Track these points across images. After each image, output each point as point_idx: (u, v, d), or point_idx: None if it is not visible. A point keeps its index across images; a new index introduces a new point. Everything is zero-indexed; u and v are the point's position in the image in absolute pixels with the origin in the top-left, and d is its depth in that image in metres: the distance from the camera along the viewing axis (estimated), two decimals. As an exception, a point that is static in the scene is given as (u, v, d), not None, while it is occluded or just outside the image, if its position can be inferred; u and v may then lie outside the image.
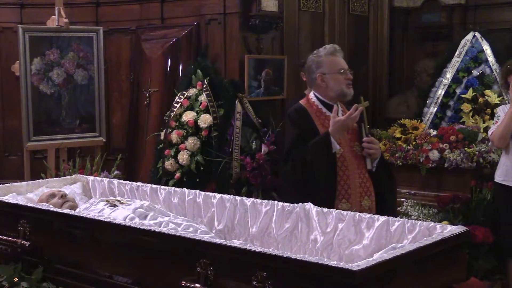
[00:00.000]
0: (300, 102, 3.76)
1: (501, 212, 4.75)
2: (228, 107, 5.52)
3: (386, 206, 3.57)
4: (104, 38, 6.33)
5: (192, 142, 5.38)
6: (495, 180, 4.72)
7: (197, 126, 5.43)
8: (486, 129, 5.56)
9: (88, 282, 2.89)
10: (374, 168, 3.61)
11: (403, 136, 5.81)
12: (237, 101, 5.53)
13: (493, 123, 4.80)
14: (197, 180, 5.33)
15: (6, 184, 3.81)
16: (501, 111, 4.70)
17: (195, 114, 5.47)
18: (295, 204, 3.11)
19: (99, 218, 2.96)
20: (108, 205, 3.35)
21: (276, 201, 3.20)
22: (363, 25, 7.18)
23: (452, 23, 7.13)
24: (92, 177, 4.20)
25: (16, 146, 6.60)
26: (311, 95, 3.73)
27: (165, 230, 2.75)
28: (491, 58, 6.08)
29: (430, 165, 5.40)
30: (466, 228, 2.57)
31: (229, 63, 5.97)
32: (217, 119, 5.45)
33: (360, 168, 3.59)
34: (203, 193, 3.49)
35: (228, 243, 2.46)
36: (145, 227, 2.74)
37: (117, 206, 3.32)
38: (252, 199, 3.28)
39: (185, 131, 5.44)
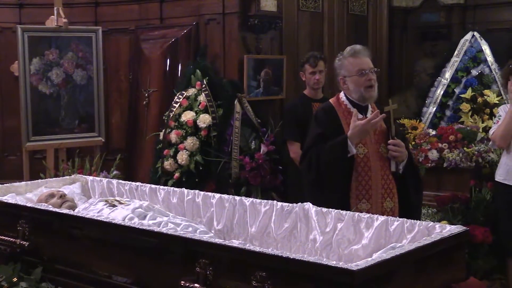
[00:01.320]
0: (330, 100, 3.77)
1: (501, 212, 4.75)
2: (227, 107, 5.52)
3: (411, 209, 3.58)
4: (103, 38, 6.32)
5: (191, 142, 5.38)
6: (496, 180, 4.72)
7: (196, 126, 5.44)
8: (485, 129, 5.57)
9: (87, 282, 2.89)
10: (400, 170, 3.61)
11: (402, 136, 5.81)
12: (236, 101, 5.53)
13: (493, 123, 4.80)
14: (196, 180, 5.33)
15: (5, 184, 3.80)
16: (502, 111, 4.70)
17: (194, 114, 5.47)
18: (294, 204, 3.11)
19: (98, 218, 2.96)
20: (107, 205, 3.35)
21: (275, 201, 3.20)
22: (362, 25, 7.18)
23: (451, 23, 7.14)
24: (91, 177, 4.20)
25: (15, 146, 6.60)
26: (342, 94, 3.72)
27: (164, 230, 2.75)
28: (490, 58, 6.09)
29: (429, 165, 5.40)
30: (465, 228, 2.56)
31: (228, 63, 5.97)
32: (216, 119, 5.45)
33: (384, 169, 3.60)
34: (202, 193, 3.49)
35: (227, 243, 2.46)
36: (144, 227, 2.73)
37: (116, 206, 3.32)
38: (251, 199, 3.28)
39: (184, 131, 5.44)
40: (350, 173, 3.54)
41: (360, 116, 3.55)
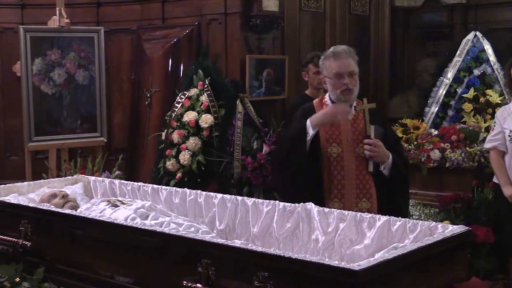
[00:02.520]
0: (313, 101, 3.77)
1: (502, 212, 4.75)
2: (229, 107, 5.52)
3: (398, 212, 3.55)
4: (105, 38, 6.33)
5: (193, 142, 5.38)
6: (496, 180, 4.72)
7: (198, 126, 5.44)
8: (487, 129, 5.56)
9: (89, 282, 2.89)
10: (386, 172, 3.58)
11: (404, 135, 5.81)
12: (238, 101, 5.53)
13: (491, 130, 4.79)
14: (199, 180, 5.33)
15: (7, 185, 3.81)
16: (498, 118, 4.67)
17: (196, 114, 5.47)
18: (297, 204, 3.11)
19: (101, 218, 2.96)
20: (110, 205, 3.35)
21: (277, 201, 3.19)
22: (364, 24, 7.18)
23: (453, 23, 7.13)
24: (93, 177, 4.20)
25: (17, 146, 6.61)
26: (327, 95, 3.72)
27: (166, 230, 2.75)
28: (492, 58, 6.08)
29: (432, 164, 5.40)
30: (467, 227, 2.56)
31: (230, 63, 5.97)
32: (218, 119, 5.45)
33: (359, 169, 3.58)
34: (204, 193, 3.49)
35: (229, 243, 2.46)
36: (146, 227, 2.74)
37: (119, 206, 3.32)
38: (253, 199, 3.28)
39: (186, 131, 5.44)
40: (320, 170, 3.54)
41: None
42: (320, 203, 3.25)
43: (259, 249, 2.34)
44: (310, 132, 3.50)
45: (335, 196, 3.54)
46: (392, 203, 3.57)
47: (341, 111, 3.48)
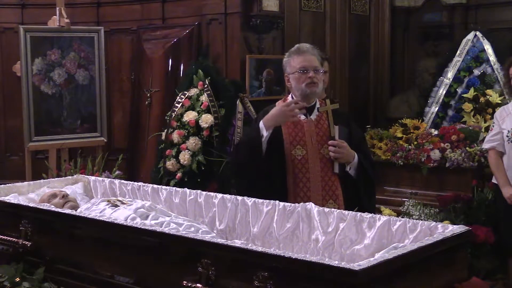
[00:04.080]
0: (276, 102, 3.73)
1: (502, 212, 4.75)
2: (229, 107, 5.52)
3: (363, 211, 3.55)
4: (105, 38, 6.34)
5: (193, 142, 5.38)
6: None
7: (198, 126, 5.44)
8: (487, 129, 5.56)
9: (89, 282, 2.89)
10: (352, 172, 3.58)
11: (404, 135, 5.81)
12: (238, 101, 5.53)
13: (489, 130, 4.79)
14: (199, 180, 5.33)
15: (7, 184, 3.80)
16: (497, 118, 4.67)
17: (196, 114, 5.47)
18: (297, 204, 3.11)
19: (101, 218, 2.96)
20: (110, 205, 3.35)
21: (277, 201, 3.19)
22: (364, 24, 7.18)
23: (453, 23, 7.13)
24: (93, 177, 4.20)
25: (17, 146, 6.61)
26: (289, 96, 3.71)
27: (166, 230, 2.75)
28: (492, 58, 6.08)
29: (432, 164, 5.40)
30: (467, 227, 2.56)
31: (230, 63, 5.97)
32: (218, 119, 5.45)
33: (325, 171, 3.57)
34: (204, 193, 3.48)
35: (229, 243, 2.46)
36: (146, 227, 2.74)
37: (119, 206, 3.32)
38: (253, 199, 3.28)
39: (186, 131, 5.44)
40: (284, 172, 3.53)
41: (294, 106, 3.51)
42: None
43: (259, 249, 2.34)
44: (264, 133, 3.49)
45: (302, 199, 3.50)
46: (358, 203, 3.51)
47: (289, 108, 3.46)
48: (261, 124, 3.51)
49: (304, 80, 3.53)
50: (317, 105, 3.65)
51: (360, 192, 3.62)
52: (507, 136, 4.54)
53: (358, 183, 3.61)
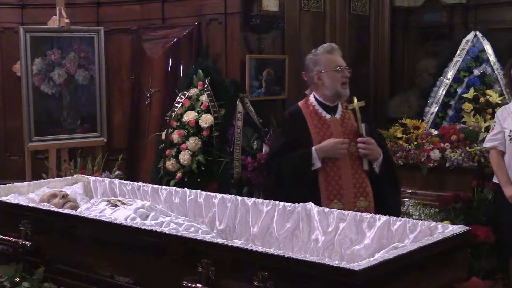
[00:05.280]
0: (298, 103, 3.76)
1: (502, 212, 4.74)
2: (229, 107, 5.52)
3: (389, 209, 3.53)
4: (105, 38, 6.33)
5: (193, 142, 5.38)
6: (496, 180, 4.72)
7: (198, 126, 5.44)
8: (487, 129, 5.56)
9: (89, 282, 2.89)
10: (377, 169, 3.60)
11: (404, 135, 5.81)
12: (238, 101, 5.53)
13: (490, 129, 4.79)
14: (198, 180, 5.33)
15: (7, 184, 3.81)
16: (498, 118, 4.67)
17: (196, 114, 5.47)
18: (296, 204, 3.11)
19: (101, 218, 2.96)
20: (110, 205, 3.35)
21: (277, 201, 3.19)
22: (364, 24, 7.18)
23: (453, 23, 7.13)
24: (93, 177, 4.20)
25: (17, 146, 6.61)
26: (311, 96, 3.72)
27: (166, 230, 2.75)
28: (492, 58, 6.08)
29: (432, 164, 5.40)
30: (467, 227, 2.56)
31: (230, 63, 5.97)
32: (218, 119, 5.45)
33: (355, 168, 3.58)
34: (204, 193, 3.49)
35: (229, 243, 2.46)
36: (146, 227, 2.74)
37: (119, 206, 3.32)
38: (253, 199, 3.28)
39: (186, 131, 5.44)
40: (317, 181, 3.53)
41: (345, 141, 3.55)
42: (317, 204, 3.26)
43: (259, 249, 2.34)
44: (318, 164, 3.51)
45: (335, 197, 3.52)
46: (385, 200, 3.58)
47: (342, 147, 3.52)
48: (314, 153, 3.50)
49: (340, 79, 3.59)
50: (339, 104, 3.68)
51: (385, 190, 3.63)
52: (508, 135, 4.54)
53: (383, 180, 3.63)
